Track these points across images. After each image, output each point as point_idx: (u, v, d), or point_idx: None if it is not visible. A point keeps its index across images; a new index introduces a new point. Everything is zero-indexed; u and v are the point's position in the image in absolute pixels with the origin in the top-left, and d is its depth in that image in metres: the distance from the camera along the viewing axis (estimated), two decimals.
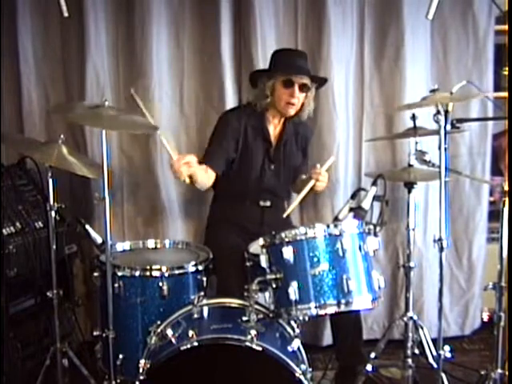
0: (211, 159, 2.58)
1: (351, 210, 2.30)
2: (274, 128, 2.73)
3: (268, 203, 2.71)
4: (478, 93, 2.59)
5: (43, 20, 2.93)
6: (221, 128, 2.66)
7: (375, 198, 2.30)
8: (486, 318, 3.35)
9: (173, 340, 1.99)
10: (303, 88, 2.61)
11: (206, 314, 2.16)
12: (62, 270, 2.52)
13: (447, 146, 2.04)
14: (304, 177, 2.71)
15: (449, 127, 2.08)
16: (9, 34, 2.89)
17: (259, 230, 2.60)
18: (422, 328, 2.58)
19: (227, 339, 1.93)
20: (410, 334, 2.53)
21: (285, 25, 3.02)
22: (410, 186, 2.49)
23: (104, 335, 2.24)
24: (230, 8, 2.96)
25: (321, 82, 2.77)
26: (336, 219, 2.30)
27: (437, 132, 2.04)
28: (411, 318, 2.54)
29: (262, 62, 2.91)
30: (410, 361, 2.49)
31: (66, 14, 2.32)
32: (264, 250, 2.09)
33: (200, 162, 2.60)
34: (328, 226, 2.04)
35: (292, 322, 2.17)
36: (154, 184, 3.02)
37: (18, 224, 2.56)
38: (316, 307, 1.99)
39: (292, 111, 2.64)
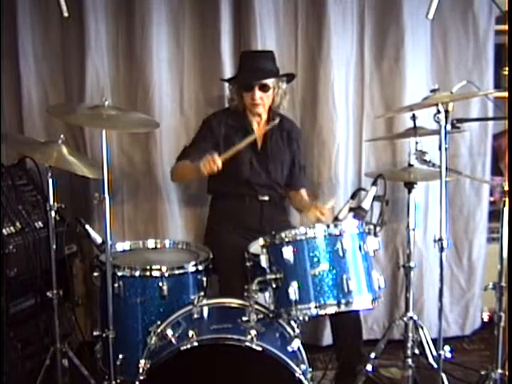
0: (188, 157, 2.65)
1: (351, 210, 2.31)
2: (257, 125, 2.79)
3: (266, 197, 2.75)
4: (480, 91, 2.59)
5: (43, 20, 2.93)
6: (201, 131, 2.78)
7: (375, 198, 2.31)
8: (486, 318, 3.34)
9: (173, 340, 1.99)
10: (264, 88, 2.67)
11: (205, 314, 2.16)
12: (61, 270, 2.51)
13: (447, 145, 2.03)
14: (305, 197, 2.81)
15: (449, 127, 2.07)
16: (9, 34, 2.89)
17: (259, 225, 2.64)
18: (422, 328, 2.57)
19: (227, 339, 1.93)
20: (410, 334, 2.54)
21: (285, 25, 3.02)
22: (410, 186, 2.49)
23: (104, 335, 2.24)
24: (230, 8, 2.96)
25: (288, 76, 2.80)
26: (336, 219, 2.30)
27: (437, 132, 2.03)
28: (411, 318, 2.55)
29: None
30: (410, 361, 2.49)
31: (65, 14, 2.33)
32: (264, 250, 2.09)
33: (178, 159, 2.72)
34: (328, 226, 2.05)
35: (292, 322, 2.17)
36: (154, 184, 3.01)
37: (18, 224, 2.56)
38: (316, 307, 1.99)
39: (260, 109, 2.72)
